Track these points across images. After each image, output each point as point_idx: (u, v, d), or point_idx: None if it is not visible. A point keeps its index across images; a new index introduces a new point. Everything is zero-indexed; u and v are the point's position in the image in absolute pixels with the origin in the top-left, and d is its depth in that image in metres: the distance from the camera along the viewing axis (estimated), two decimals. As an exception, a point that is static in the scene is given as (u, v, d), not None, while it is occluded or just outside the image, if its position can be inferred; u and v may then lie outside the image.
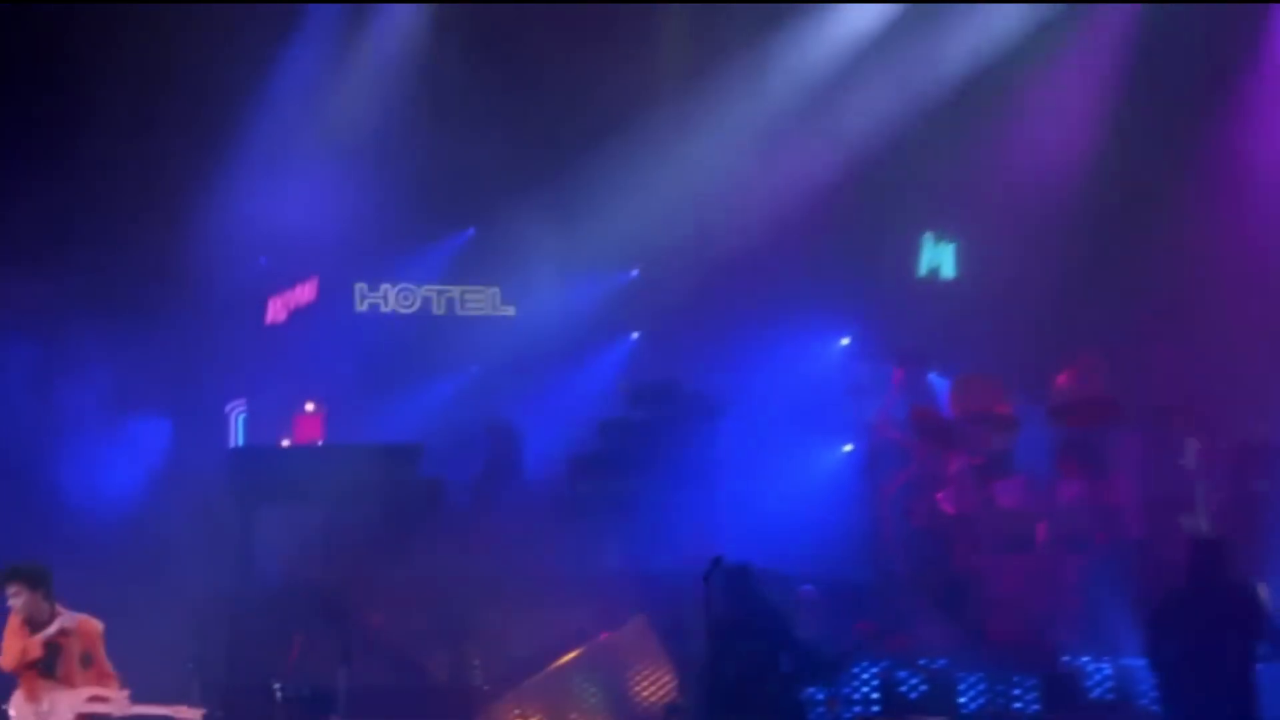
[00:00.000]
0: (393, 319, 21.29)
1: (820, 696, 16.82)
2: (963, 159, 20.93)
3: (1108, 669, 17.21)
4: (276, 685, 16.43)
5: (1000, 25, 20.95)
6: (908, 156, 20.86)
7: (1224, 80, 20.59)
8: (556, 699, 17.92)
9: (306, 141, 20.30)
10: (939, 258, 21.95)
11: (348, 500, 19.65)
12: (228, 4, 19.49)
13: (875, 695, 17.31)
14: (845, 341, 21.60)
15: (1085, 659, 17.33)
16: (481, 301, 21.57)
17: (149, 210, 19.62)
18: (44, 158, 19.45)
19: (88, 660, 13.41)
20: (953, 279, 21.94)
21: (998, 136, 20.94)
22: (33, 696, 13.31)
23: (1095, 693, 17.29)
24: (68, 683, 13.34)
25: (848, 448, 20.64)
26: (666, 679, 17.95)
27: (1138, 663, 16.46)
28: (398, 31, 20.72)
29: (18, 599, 13.30)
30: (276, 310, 21.25)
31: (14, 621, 13.37)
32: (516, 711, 17.83)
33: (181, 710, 13.38)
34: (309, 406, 20.72)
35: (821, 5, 21.06)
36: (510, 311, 21.55)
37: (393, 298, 21.39)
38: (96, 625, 13.47)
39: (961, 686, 17.31)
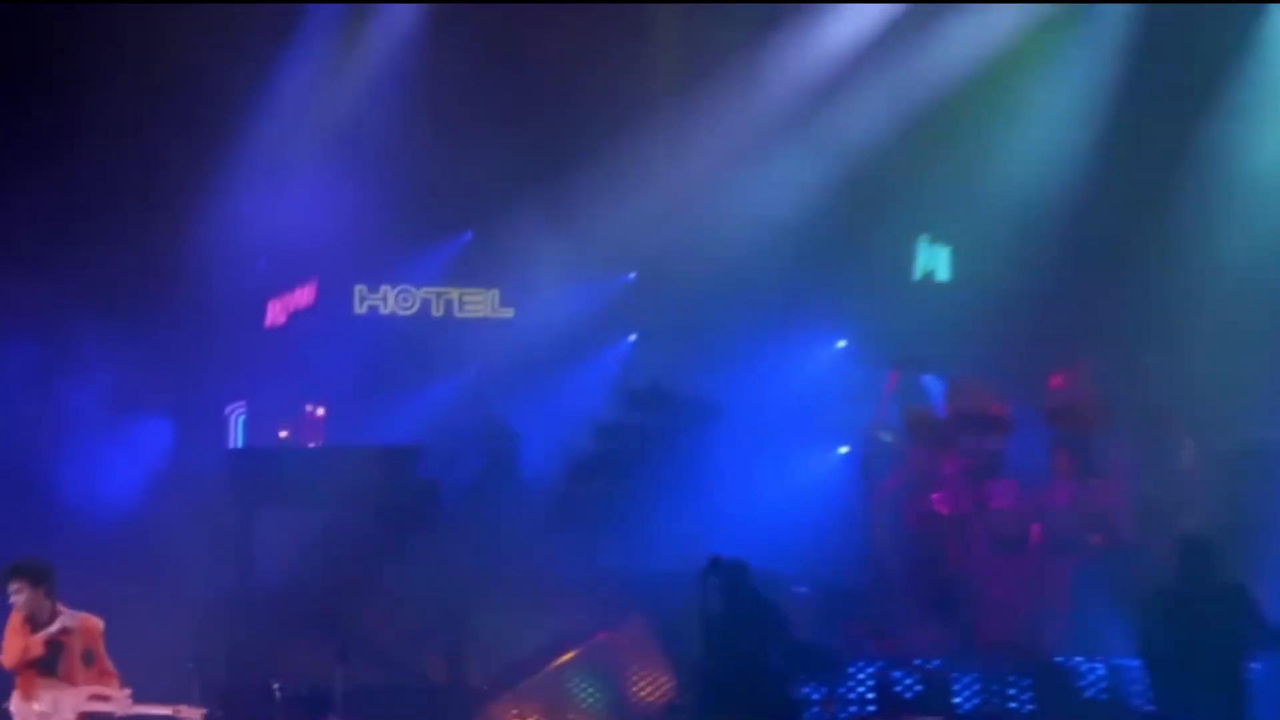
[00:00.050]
0: (392, 321, 21.29)
1: (816, 697, 16.96)
2: (957, 162, 20.95)
3: (1101, 669, 17.29)
4: (275, 685, 16.56)
5: (995, 28, 20.91)
6: (902, 160, 20.82)
7: (1218, 83, 20.58)
8: (554, 699, 17.99)
9: (306, 144, 20.25)
10: (933, 261, 21.93)
11: (347, 501, 19.74)
12: (227, 6, 19.47)
13: (871, 695, 17.38)
14: (841, 344, 21.61)
15: (1078, 659, 17.41)
16: (480, 304, 21.55)
17: (149, 212, 19.60)
18: (44, 159, 19.38)
19: (89, 658, 13.36)
20: (947, 282, 21.97)
21: (992, 140, 20.97)
22: (33, 695, 13.25)
23: (1089, 692, 17.36)
24: (69, 681, 13.29)
25: (843, 450, 20.69)
26: (663, 679, 18.02)
27: (1130, 663, 16.52)
28: (396, 34, 20.67)
29: (20, 595, 13.24)
30: (276, 313, 21.22)
31: (15, 619, 13.31)
32: (514, 712, 17.91)
33: (182, 710, 13.33)
34: (318, 411, 20.84)
35: (816, 9, 21.05)
36: (509, 314, 21.51)
37: (392, 300, 21.38)
38: (97, 623, 13.43)
39: (956, 687, 17.39)
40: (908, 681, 17.42)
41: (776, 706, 15.41)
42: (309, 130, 20.30)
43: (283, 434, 20.62)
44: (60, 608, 13.39)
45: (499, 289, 21.55)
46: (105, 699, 13.34)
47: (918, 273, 21.92)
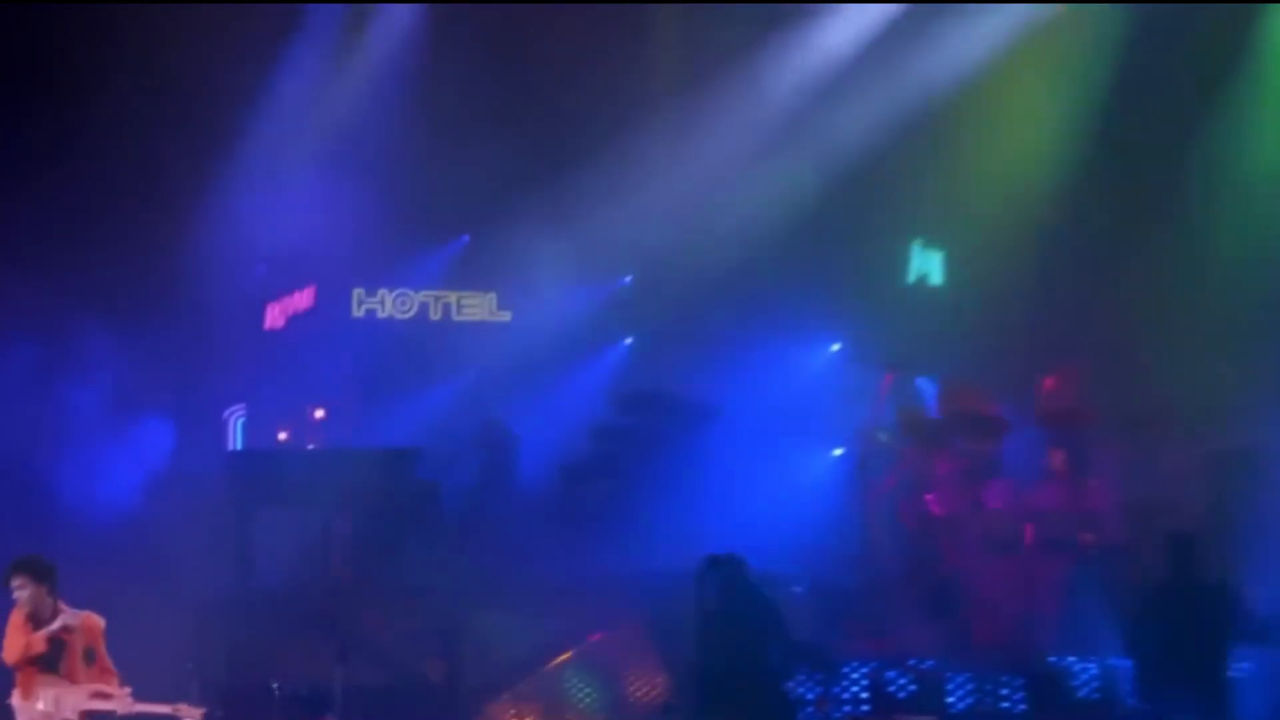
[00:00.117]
0: (390, 324, 21.40)
1: (811, 697, 17.03)
2: (950, 166, 21.00)
3: (1093, 669, 17.29)
4: (275, 685, 16.61)
5: (990, 32, 20.94)
6: (896, 164, 20.87)
7: (1213, 85, 20.61)
8: (551, 699, 17.97)
9: (305, 147, 20.33)
10: (927, 265, 22.02)
11: (345, 503, 19.81)
12: (227, 10, 19.50)
13: (865, 695, 17.37)
14: (836, 347, 21.71)
15: (1071, 659, 17.41)
16: (477, 307, 21.66)
17: (149, 215, 19.62)
18: (44, 162, 19.42)
19: (91, 656, 13.35)
20: (940, 285, 22.03)
21: (986, 144, 21.03)
22: (35, 692, 13.24)
23: (1081, 692, 17.36)
24: (70, 679, 13.28)
25: (838, 452, 20.78)
26: (659, 679, 17.99)
27: (1123, 662, 16.49)
28: (395, 38, 20.74)
29: (23, 591, 13.23)
30: (274, 316, 21.32)
31: (17, 616, 13.29)
32: (512, 711, 17.88)
33: (181, 709, 13.31)
34: (317, 413, 20.92)
35: (812, 13, 21.10)
36: (506, 317, 21.64)
37: (390, 303, 21.47)
38: (99, 621, 13.42)
39: (950, 686, 17.39)
40: (902, 681, 17.41)
41: (772, 705, 15.42)
42: (308, 133, 20.37)
43: (282, 436, 20.70)
44: (62, 606, 13.37)
45: (496, 292, 21.65)
46: (106, 697, 13.32)
47: (911, 276, 22.03)
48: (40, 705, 13.25)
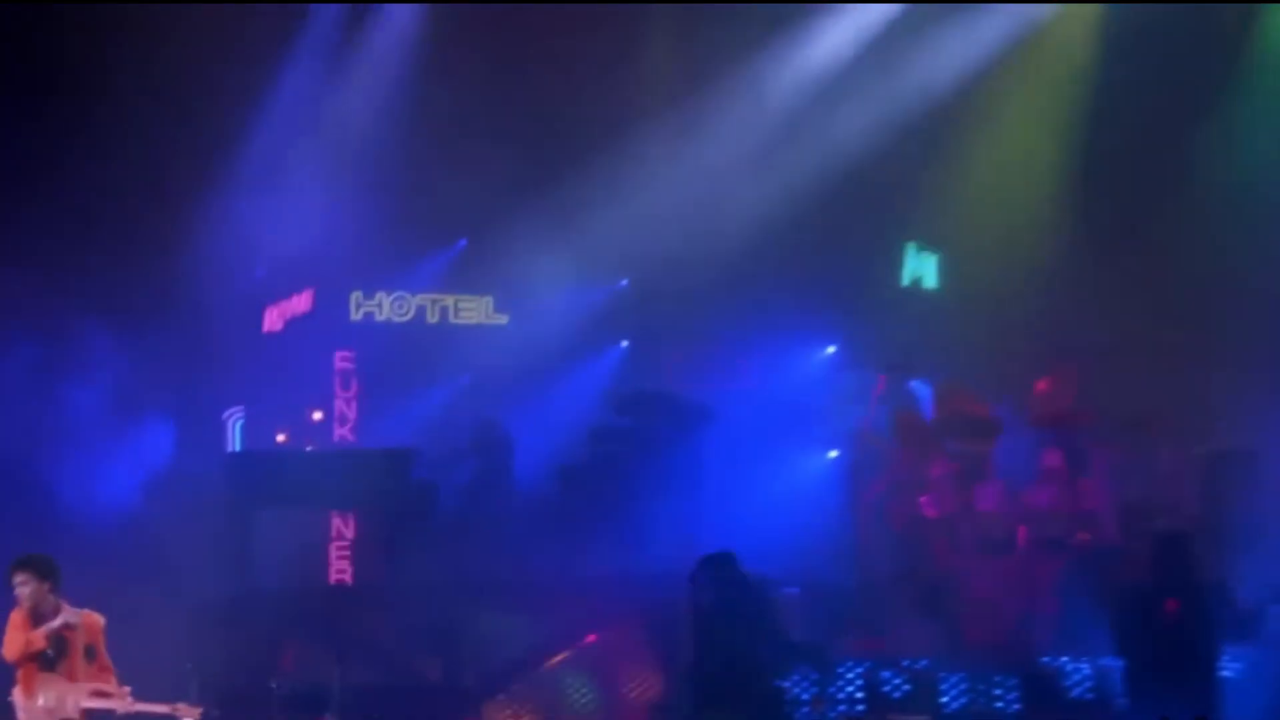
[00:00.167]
0: (387, 327, 21.44)
1: (805, 696, 17.12)
2: (945, 169, 21.06)
3: (1086, 669, 17.28)
4: (273, 684, 16.70)
5: (985, 35, 20.95)
6: (891, 167, 20.88)
7: (1208, 88, 20.65)
8: (547, 699, 18.01)
9: (304, 151, 20.35)
10: (921, 268, 22.06)
11: (343, 504, 19.91)
12: (227, 16, 19.51)
13: (859, 695, 17.39)
14: (830, 350, 21.74)
15: (1064, 659, 17.42)
16: (474, 310, 21.67)
17: (148, 219, 19.63)
18: (45, 164, 19.45)
19: (92, 654, 13.37)
20: (935, 288, 22.05)
21: (980, 147, 21.11)
22: (36, 689, 13.27)
23: (1074, 692, 17.36)
24: (71, 676, 13.30)
25: (833, 454, 20.80)
26: (653, 679, 18.05)
27: (1115, 662, 16.57)
28: (392, 44, 20.76)
29: (25, 587, 13.25)
30: (273, 319, 21.38)
31: (19, 613, 13.32)
32: (508, 711, 17.90)
33: (180, 708, 13.33)
34: (315, 415, 21.01)
35: (808, 16, 21.11)
36: (503, 320, 21.65)
37: (387, 306, 21.46)
38: (99, 620, 13.45)
39: (943, 686, 17.41)
40: (896, 681, 17.42)
41: (767, 705, 15.53)
42: (307, 137, 20.39)
43: (280, 438, 20.78)
44: (63, 604, 13.38)
45: (493, 296, 21.66)
46: (106, 696, 13.34)
47: (906, 279, 22.06)
48: (41, 702, 13.27)
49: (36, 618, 13.34)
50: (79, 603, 13.55)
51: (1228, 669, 16.30)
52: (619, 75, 20.97)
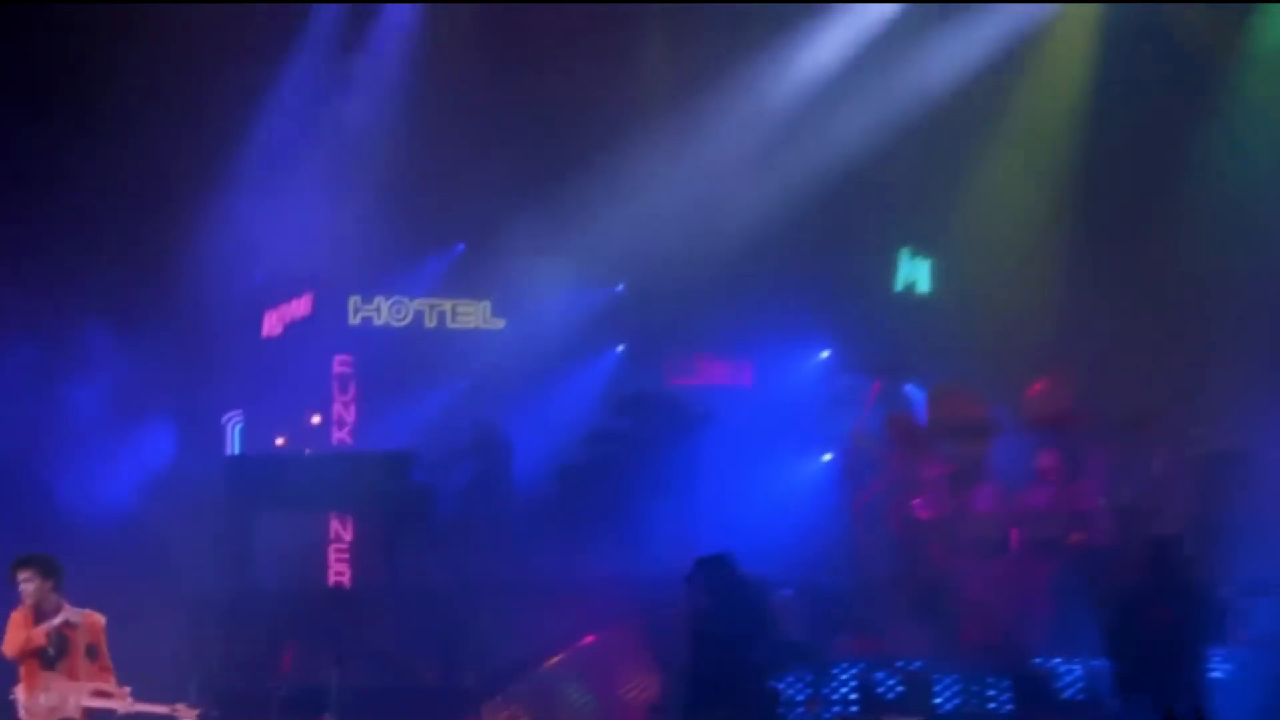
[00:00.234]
0: (386, 331, 21.52)
1: (800, 697, 17.20)
2: (938, 175, 21.12)
3: (1079, 670, 17.34)
4: (272, 685, 16.75)
5: (982, 36, 20.98)
6: (889, 169, 20.95)
7: (1204, 91, 20.70)
8: (545, 700, 18.00)
9: (302, 156, 20.42)
10: (915, 273, 22.15)
11: (341, 506, 19.97)
12: (228, 21, 19.59)
13: (853, 695, 17.44)
14: (825, 354, 21.86)
15: (1057, 660, 17.48)
16: (472, 315, 21.73)
17: (148, 223, 19.70)
18: (45, 167, 19.50)
19: (93, 653, 13.47)
20: (929, 293, 22.10)
21: (975, 151, 21.19)
22: (36, 687, 13.36)
23: (1067, 693, 17.42)
24: (72, 675, 13.38)
25: (827, 457, 20.90)
26: (650, 680, 18.01)
27: (1105, 664, 16.65)
28: (390, 50, 20.82)
29: (29, 584, 13.35)
30: (272, 324, 21.45)
31: (21, 610, 13.42)
32: (506, 712, 17.88)
33: (179, 709, 13.43)
34: (314, 418, 21.09)
35: (804, 21, 21.16)
36: (500, 324, 21.71)
37: (385, 310, 21.53)
38: (100, 619, 13.56)
39: (937, 688, 17.47)
40: (890, 682, 17.48)
41: (761, 705, 15.58)
42: (306, 143, 20.46)
43: (279, 441, 20.86)
44: (65, 604, 13.48)
45: (491, 300, 21.73)
46: (107, 695, 13.43)
47: (899, 284, 22.15)
48: (43, 700, 13.36)
49: (39, 615, 13.43)
50: (79, 603, 13.64)
51: (1219, 670, 16.43)
52: (617, 78, 21.04)
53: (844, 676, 17.54)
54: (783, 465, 20.62)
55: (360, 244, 20.73)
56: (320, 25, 20.64)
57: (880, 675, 17.54)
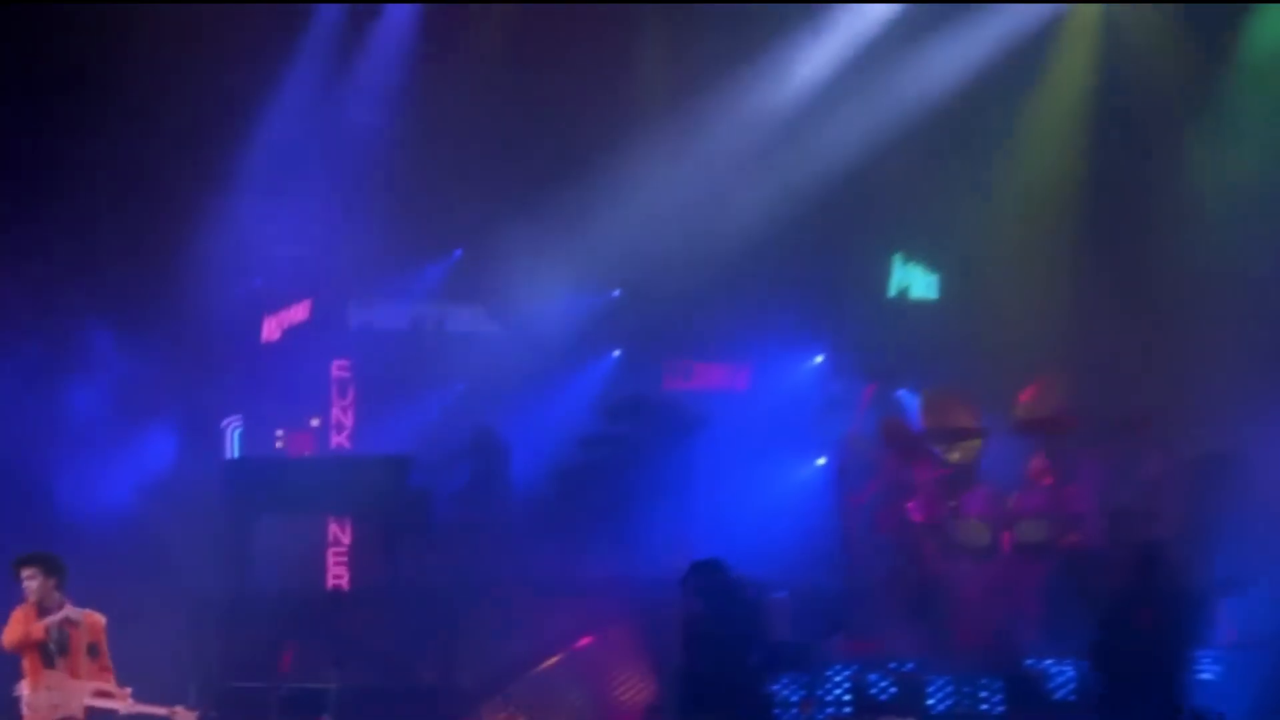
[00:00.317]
0: (384, 336, 21.55)
1: (794, 699, 17.29)
2: (936, 178, 21.12)
3: (1070, 671, 17.40)
4: (271, 687, 16.83)
5: (982, 38, 20.97)
6: (880, 179, 20.96)
7: (1201, 95, 20.72)
8: (542, 701, 18.09)
9: (302, 162, 20.43)
10: (908, 278, 22.20)
11: (340, 510, 20.03)
12: (228, 24, 19.59)
13: (847, 697, 17.49)
14: (819, 359, 21.94)
15: (1048, 661, 17.54)
16: (469, 319, 21.94)
17: (150, 226, 19.74)
18: (46, 170, 19.54)
19: (94, 652, 13.53)
20: (922, 298, 22.14)
21: (972, 155, 21.21)
22: (41, 684, 13.41)
23: (1059, 694, 17.49)
24: (74, 673, 13.44)
25: (822, 460, 20.98)
26: (646, 682, 18.09)
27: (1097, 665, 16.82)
28: (389, 53, 20.83)
29: (33, 581, 13.42)
30: (271, 329, 21.48)
31: (25, 606, 13.47)
32: (502, 713, 17.96)
33: (178, 711, 13.44)
34: (313, 422, 21.18)
35: (803, 23, 21.19)
36: (497, 329, 21.84)
37: (384, 316, 21.65)
38: (101, 619, 13.62)
39: (930, 689, 17.52)
40: (883, 684, 17.53)
41: (755, 707, 15.65)
42: (305, 147, 20.46)
43: (278, 444, 20.93)
44: (67, 603, 13.52)
45: (487, 305, 21.80)
46: (108, 695, 13.48)
47: (893, 290, 22.22)
48: (46, 697, 13.43)
49: (41, 613, 13.50)
50: (80, 604, 13.68)
51: (1209, 671, 16.54)
52: (615, 80, 21.06)
53: (837, 678, 17.58)
54: (778, 468, 20.68)
55: (359, 249, 20.76)
56: (320, 29, 20.65)
57: (873, 676, 17.59)
